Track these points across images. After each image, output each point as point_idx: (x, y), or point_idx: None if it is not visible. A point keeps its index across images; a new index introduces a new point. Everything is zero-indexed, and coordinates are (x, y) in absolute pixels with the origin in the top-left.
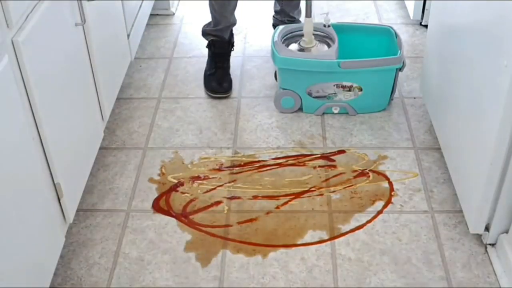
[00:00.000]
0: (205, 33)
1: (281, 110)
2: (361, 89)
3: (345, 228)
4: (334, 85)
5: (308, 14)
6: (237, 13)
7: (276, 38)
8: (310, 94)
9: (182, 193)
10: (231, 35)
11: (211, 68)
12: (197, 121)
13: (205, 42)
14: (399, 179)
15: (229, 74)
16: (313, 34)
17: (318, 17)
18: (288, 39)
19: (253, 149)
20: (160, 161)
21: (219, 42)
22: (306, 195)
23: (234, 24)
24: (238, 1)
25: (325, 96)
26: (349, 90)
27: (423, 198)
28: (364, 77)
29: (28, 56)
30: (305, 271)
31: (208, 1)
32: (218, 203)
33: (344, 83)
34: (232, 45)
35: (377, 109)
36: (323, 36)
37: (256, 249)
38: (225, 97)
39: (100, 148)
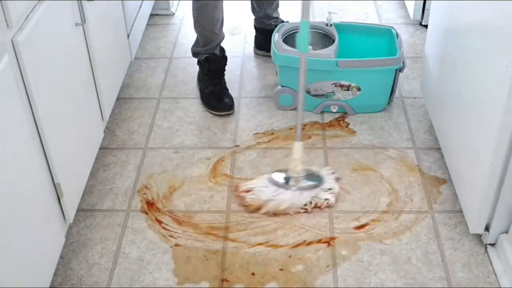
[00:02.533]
0: (196, 53)
1: (280, 107)
2: (359, 89)
3: (345, 228)
4: (332, 84)
5: (298, 137)
6: (237, 13)
7: (276, 37)
8: (308, 92)
9: (183, 192)
10: (222, 50)
11: (208, 86)
12: (197, 121)
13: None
14: (399, 179)
15: (228, 89)
16: (316, 32)
17: (319, 17)
18: (288, 37)
19: (253, 149)
20: (160, 161)
21: (214, 58)
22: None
23: (223, 38)
24: (237, 2)
25: (323, 95)
26: (347, 90)
27: (423, 198)
28: (362, 77)
29: (28, 56)
30: (305, 271)
31: (193, 22)
32: (218, 202)
33: (342, 82)
34: (226, 59)
35: (376, 109)
36: (323, 35)
37: (256, 249)
38: (230, 114)
39: (100, 148)
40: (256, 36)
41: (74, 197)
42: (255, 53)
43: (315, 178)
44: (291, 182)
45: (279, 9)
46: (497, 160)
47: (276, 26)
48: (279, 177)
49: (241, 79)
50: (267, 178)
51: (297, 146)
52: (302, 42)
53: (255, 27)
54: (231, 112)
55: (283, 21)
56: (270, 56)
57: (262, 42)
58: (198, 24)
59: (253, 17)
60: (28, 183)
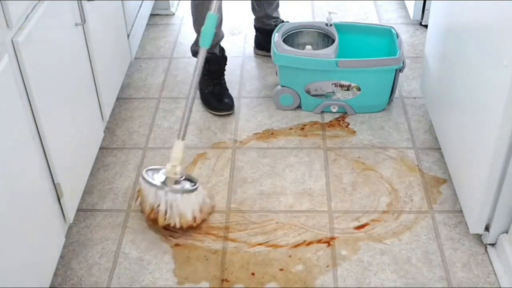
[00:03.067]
0: (196, 53)
1: (280, 107)
2: (359, 89)
3: (345, 228)
4: (332, 84)
5: (182, 135)
6: (237, 13)
7: (276, 37)
8: (308, 92)
9: None
10: (222, 49)
11: (208, 86)
12: (197, 121)
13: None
14: (399, 179)
15: (228, 89)
16: (316, 32)
17: (319, 17)
18: (288, 37)
19: (253, 149)
20: (160, 161)
21: (214, 58)
22: (306, 195)
23: (223, 37)
24: (237, 2)
25: (323, 95)
26: (347, 90)
27: (423, 198)
28: (363, 77)
29: (28, 56)
30: (305, 271)
31: (192, 21)
32: (218, 202)
33: (342, 82)
34: (226, 59)
35: (375, 109)
36: (323, 35)
37: (256, 249)
38: (230, 114)
39: (100, 148)
40: (256, 36)
41: (74, 197)
42: (255, 53)
43: (190, 183)
44: (166, 182)
45: (280, 10)
46: (497, 160)
47: (276, 26)
48: (159, 176)
49: (241, 79)
50: (147, 175)
51: (178, 145)
52: (205, 35)
53: (255, 27)
54: (231, 112)
55: (283, 21)
56: (270, 56)
57: (262, 42)
58: (197, 22)
59: (253, 17)
60: (28, 183)
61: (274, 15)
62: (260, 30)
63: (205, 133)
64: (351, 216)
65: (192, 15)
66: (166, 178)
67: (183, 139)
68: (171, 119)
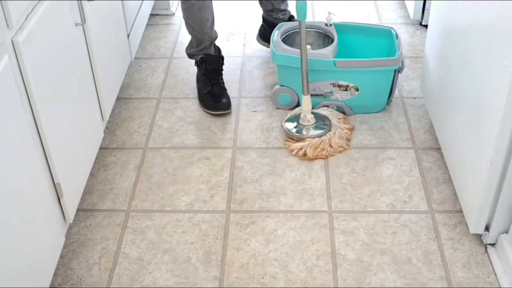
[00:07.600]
0: (191, 55)
1: (278, 106)
2: (357, 89)
3: (345, 228)
4: (330, 84)
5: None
6: (237, 13)
7: (275, 36)
8: None
9: (183, 192)
10: (218, 49)
11: (206, 86)
12: (197, 121)
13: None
14: (399, 179)
15: (226, 89)
16: (314, 31)
17: (319, 17)
18: (288, 36)
19: (253, 149)
20: (160, 161)
21: (210, 57)
22: (306, 195)
23: (216, 37)
24: (237, 2)
25: (321, 95)
26: (345, 90)
27: (423, 198)
28: (361, 77)
29: (28, 56)
30: (305, 271)
31: (184, 24)
32: (218, 202)
33: (340, 82)
34: (223, 59)
35: (374, 110)
36: (323, 35)
37: (256, 248)
38: (227, 114)
39: (100, 148)
40: (262, 26)
41: (74, 197)
42: (257, 41)
43: (324, 125)
44: (303, 132)
45: (289, 1)
46: (497, 160)
47: (283, 20)
48: (291, 127)
49: (241, 79)
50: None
51: (306, 99)
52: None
53: (263, 18)
54: (227, 111)
55: (291, 15)
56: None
57: (268, 34)
58: (188, 25)
59: (253, 15)
60: (28, 183)
61: (282, 7)
62: (268, 22)
63: (205, 133)
64: (351, 216)
65: (183, 18)
66: (301, 127)
67: (307, 94)
68: (171, 119)
